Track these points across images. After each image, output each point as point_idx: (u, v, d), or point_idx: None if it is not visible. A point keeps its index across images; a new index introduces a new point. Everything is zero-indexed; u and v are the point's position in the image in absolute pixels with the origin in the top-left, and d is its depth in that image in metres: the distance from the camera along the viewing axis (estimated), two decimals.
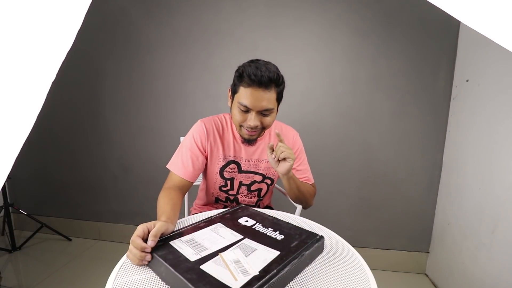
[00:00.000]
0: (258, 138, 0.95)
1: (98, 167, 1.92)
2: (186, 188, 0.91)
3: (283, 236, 0.63)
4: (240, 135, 0.92)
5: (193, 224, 0.68)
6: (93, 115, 1.87)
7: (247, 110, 0.82)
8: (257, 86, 0.78)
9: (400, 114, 1.60)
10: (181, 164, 0.90)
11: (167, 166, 0.93)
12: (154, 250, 0.55)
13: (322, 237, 0.63)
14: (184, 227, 0.66)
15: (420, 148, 1.61)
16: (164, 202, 0.75)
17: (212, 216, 0.73)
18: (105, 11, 1.72)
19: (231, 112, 0.90)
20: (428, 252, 1.68)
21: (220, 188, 1.00)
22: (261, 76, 0.77)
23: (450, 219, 1.49)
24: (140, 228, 0.57)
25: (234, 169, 0.97)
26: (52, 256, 1.78)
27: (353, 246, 0.68)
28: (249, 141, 0.93)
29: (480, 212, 1.26)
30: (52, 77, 0.44)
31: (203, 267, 0.50)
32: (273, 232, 0.65)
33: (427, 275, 1.67)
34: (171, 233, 0.63)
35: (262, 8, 1.61)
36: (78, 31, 0.45)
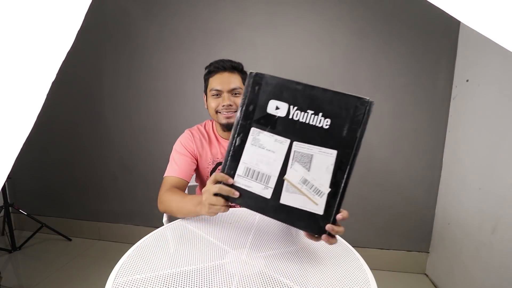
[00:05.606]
0: None
1: (98, 167, 1.92)
2: (182, 188, 0.92)
3: (329, 121, 0.53)
4: (220, 123, 0.96)
5: (228, 149, 0.57)
6: (93, 115, 1.87)
7: (218, 94, 0.92)
8: (222, 71, 0.92)
9: (400, 114, 1.60)
10: (175, 165, 0.94)
11: (164, 176, 0.94)
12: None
13: (369, 102, 0.55)
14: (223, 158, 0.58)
15: (420, 148, 1.61)
16: (178, 195, 0.81)
17: (239, 119, 0.57)
18: (105, 11, 1.72)
19: (208, 109, 0.97)
20: (428, 252, 1.68)
21: None
22: (223, 63, 0.92)
23: (450, 219, 1.49)
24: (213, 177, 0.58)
25: None
26: (52, 256, 1.78)
27: (353, 246, 0.68)
28: (228, 126, 0.93)
29: (480, 212, 1.26)
30: (52, 77, 0.44)
31: (283, 201, 0.50)
32: (315, 116, 0.53)
33: (427, 275, 1.67)
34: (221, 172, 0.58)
35: (262, 7, 1.60)
36: (78, 31, 0.45)
